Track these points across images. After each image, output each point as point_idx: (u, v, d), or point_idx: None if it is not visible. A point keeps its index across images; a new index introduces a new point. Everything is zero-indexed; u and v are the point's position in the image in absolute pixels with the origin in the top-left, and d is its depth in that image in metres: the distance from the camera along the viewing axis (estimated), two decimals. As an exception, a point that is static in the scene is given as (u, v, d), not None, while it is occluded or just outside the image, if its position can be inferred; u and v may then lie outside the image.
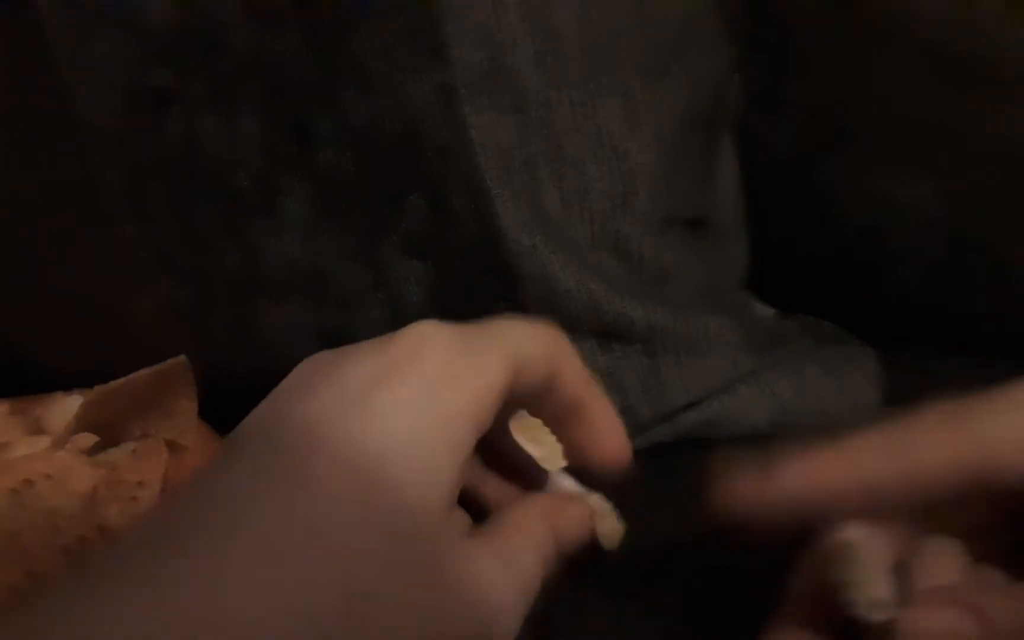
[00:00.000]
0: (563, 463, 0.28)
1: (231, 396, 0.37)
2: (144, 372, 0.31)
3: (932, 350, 0.39)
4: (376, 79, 0.33)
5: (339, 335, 0.36)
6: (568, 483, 0.27)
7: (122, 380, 0.31)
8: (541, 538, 0.24)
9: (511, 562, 0.23)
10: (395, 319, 0.36)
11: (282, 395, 0.23)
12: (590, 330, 0.35)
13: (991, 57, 0.35)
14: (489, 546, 0.23)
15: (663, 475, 0.34)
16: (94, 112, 0.36)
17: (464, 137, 0.33)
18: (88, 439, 0.33)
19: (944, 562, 0.22)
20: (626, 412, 0.36)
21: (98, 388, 0.31)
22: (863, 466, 0.22)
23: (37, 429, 0.37)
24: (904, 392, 0.38)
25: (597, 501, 0.27)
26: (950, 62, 0.36)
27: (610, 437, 0.26)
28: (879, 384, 0.38)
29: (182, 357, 0.32)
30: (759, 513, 0.22)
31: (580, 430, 0.26)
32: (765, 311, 0.41)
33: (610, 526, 0.27)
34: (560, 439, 0.27)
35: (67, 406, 0.37)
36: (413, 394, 0.21)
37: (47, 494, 0.29)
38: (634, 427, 0.36)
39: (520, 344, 0.23)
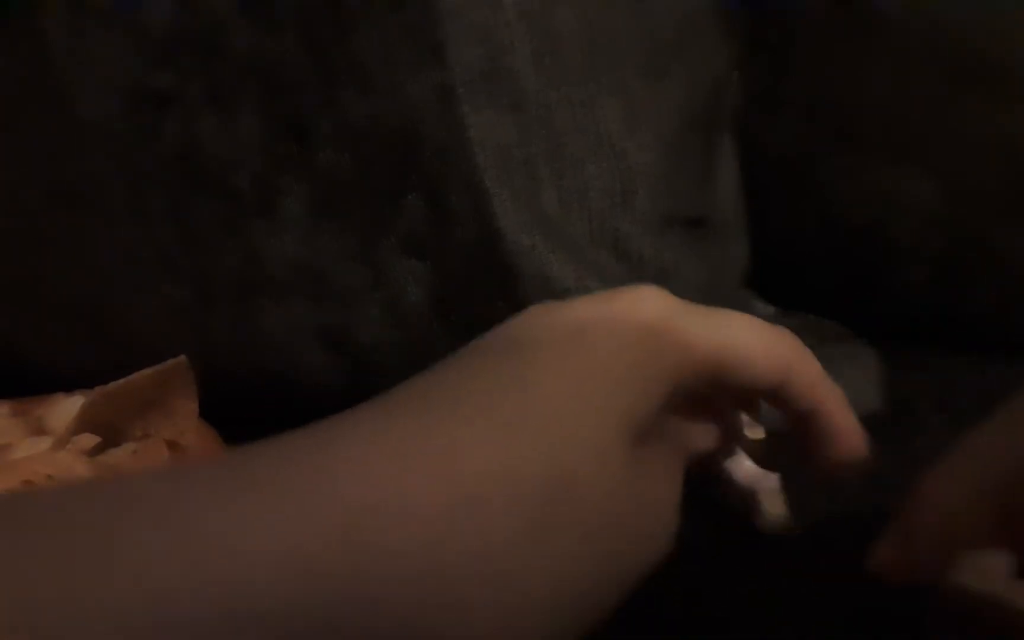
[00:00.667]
0: None
1: (231, 395, 0.38)
2: (145, 372, 0.31)
3: (933, 347, 0.39)
4: (375, 79, 0.33)
5: (339, 334, 0.37)
6: (747, 463, 0.28)
7: (123, 381, 0.31)
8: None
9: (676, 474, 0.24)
10: (394, 318, 0.36)
11: (512, 323, 0.24)
12: (590, 329, 0.35)
13: (991, 55, 0.35)
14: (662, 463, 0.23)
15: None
16: (94, 113, 0.36)
17: (463, 137, 0.33)
18: (89, 439, 0.33)
19: None
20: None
21: (99, 389, 0.31)
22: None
23: (39, 430, 0.37)
24: (905, 389, 0.38)
25: (772, 480, 0.28)
26: (950, 60, 0.36)
27: (845, 439, 0.26)
28: (880, 382, 0.38)
29: (182, 357, 0.32)
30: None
31: (814, 434, 0.26)
32: (766, 310, 0.41)
33: (774, 510, 0.28)
34: (796, 436, 0.27)
35: (68, 407, 0.37)
36: (619, 346, 0.22)
37: (48, 495, 0.29)
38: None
39: (740, 338, 0.24)
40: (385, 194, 0.34)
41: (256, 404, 0.39)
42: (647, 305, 0.23)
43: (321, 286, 0.36)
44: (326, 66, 0.33)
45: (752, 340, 0.24)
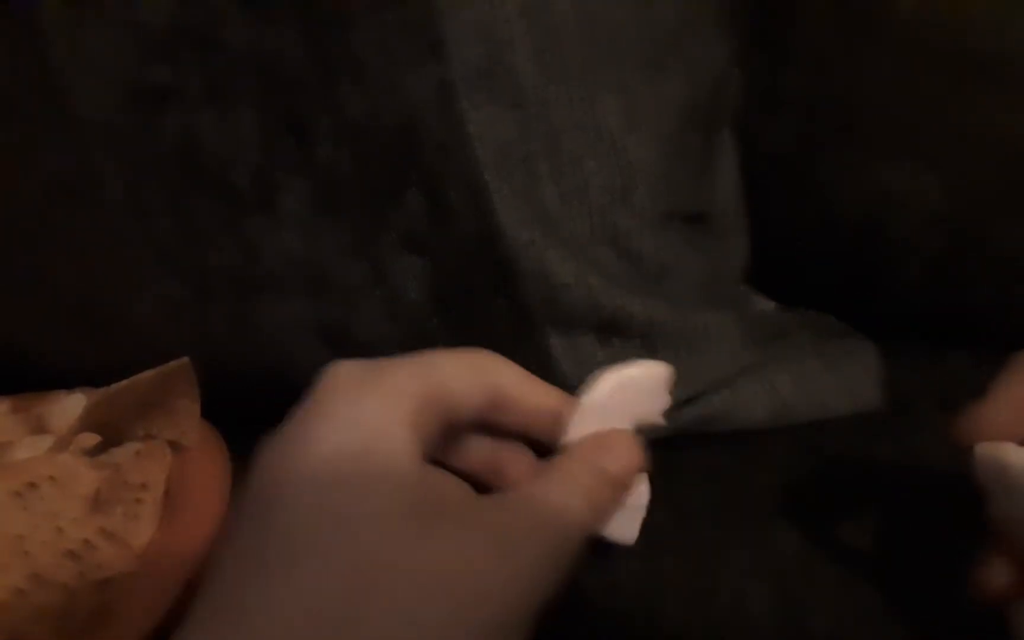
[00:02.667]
0: None
1: (230, 391, 0.38)
2: (147, 374, 0.31)
3: (932, 344, 0.39)
4: (374, 75, 0.32)
5: (338, 331, 0.36)
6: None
7: (125, 382, 0.31)
8: (583, 489, 0.26)
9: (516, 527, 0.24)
10: (393, 315, 0.36)
11: (252, 493, 0.24)
12: (589, 325, 0.35)
13: (991, 51, 0.35)
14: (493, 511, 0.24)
15: (663, 470, 0.35)
16: (92, 109, 0.35)
17: (462, 133, 0.32)
18: (90, 438, 0.33)
19: None
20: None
21: (102, 390, 0.31)
22: None
23: (39, 427, 0.37)
24: (905, 386, 0.38)
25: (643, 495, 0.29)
26: (951, 55, 0.36)
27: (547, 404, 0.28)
28: (880, 378, 0.38)
29: (185, 359, 0.32)
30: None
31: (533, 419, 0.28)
32: (765, 305, 0.41)
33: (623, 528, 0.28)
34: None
35: (69, 405, 0.37)
36: (333, 419, 0.24)
37: (50, 496, 0.29)
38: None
39: (437, 368, 0.26)
40: (384, 190, 0.34)
41: (255, 401, 0.39)
42: (334, 385, 0.25)
43: (320, 282, 0.36)
44: (325, 62, 0.33)
45: (451, 367, 0.27)
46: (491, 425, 0.28)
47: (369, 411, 0.24)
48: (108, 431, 0.33)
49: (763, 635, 0.29)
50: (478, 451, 0.29)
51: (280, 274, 0.36)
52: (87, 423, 0.32)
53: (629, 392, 0.29)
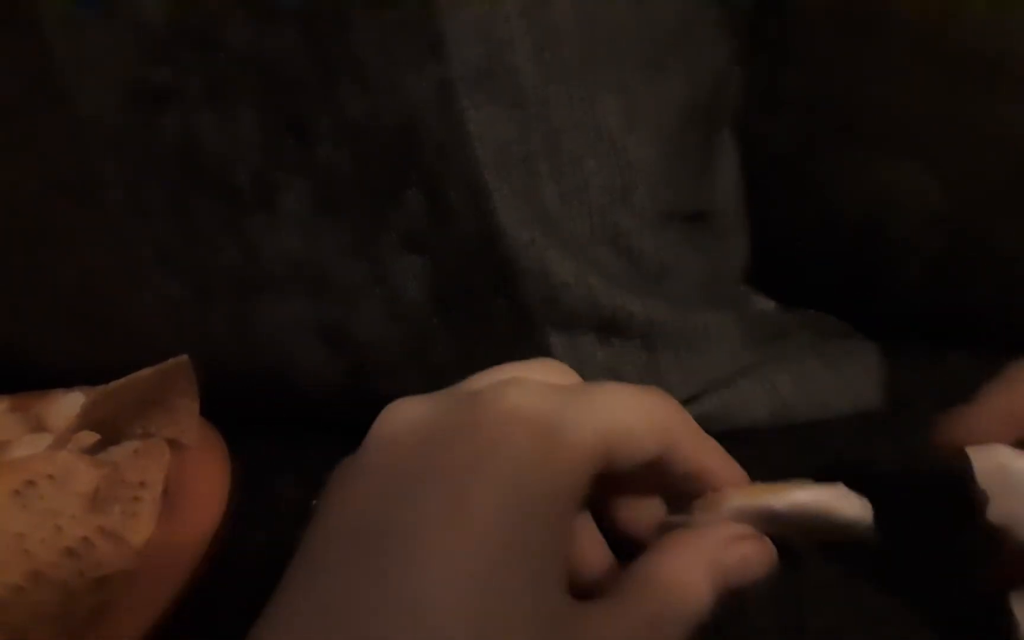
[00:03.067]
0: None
1: (230, 391, 0.38)
2: (146, 371, 0.31)
3: (933, 344, 0.39)
4: (374, 75, 0.32)
5: (338, 330, 0.36)
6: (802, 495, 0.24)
7: (124, 379, 0.31)
8: (690, 587, 0.22)
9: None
10: (394, 314, 0.36)
11: (373, 488, 0.21)
12: (589, 324, 0.35)
13: (991, 50, 0.35)
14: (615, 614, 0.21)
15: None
16: (93, 109, 0.35)
17: (462, 132, 0.32)
18: (89, 436, 0.33)
19: None
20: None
21: (100, 388, 0.31)
22: None
23: (38, 426, 0.37)
24: (905, 386, 0.38)
25: (838, 491, 0.24)
26: (950, 55, 0.36)
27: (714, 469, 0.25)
28: (880, 378, 0.38)
29: (184, 356, 0.32)
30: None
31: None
32: (766, 305, 0.41)
33: (853, 512, 0.24)
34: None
35: (68, 403, 0.37)
36: (501, 488, 0.20)
37: (49, 495, 0.29)
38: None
39: (619, 416, 0.22)
40: (384, 190, 0.34)
41: (255, 400, 0.39)
42: (517, 405, 0.21)
43: (320, 282, 0.36)
44: (325, 62, 0.33)
45: (632, 413, 0.22)
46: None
47: (547, 470, 0.20)
48: (107, 429, 0.33)
49: (763, 635, 0.29)
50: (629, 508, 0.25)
51: (280, 274, 0.36)
52: (86, 421, 0.32)
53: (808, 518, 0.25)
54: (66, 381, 0.39)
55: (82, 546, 0.28)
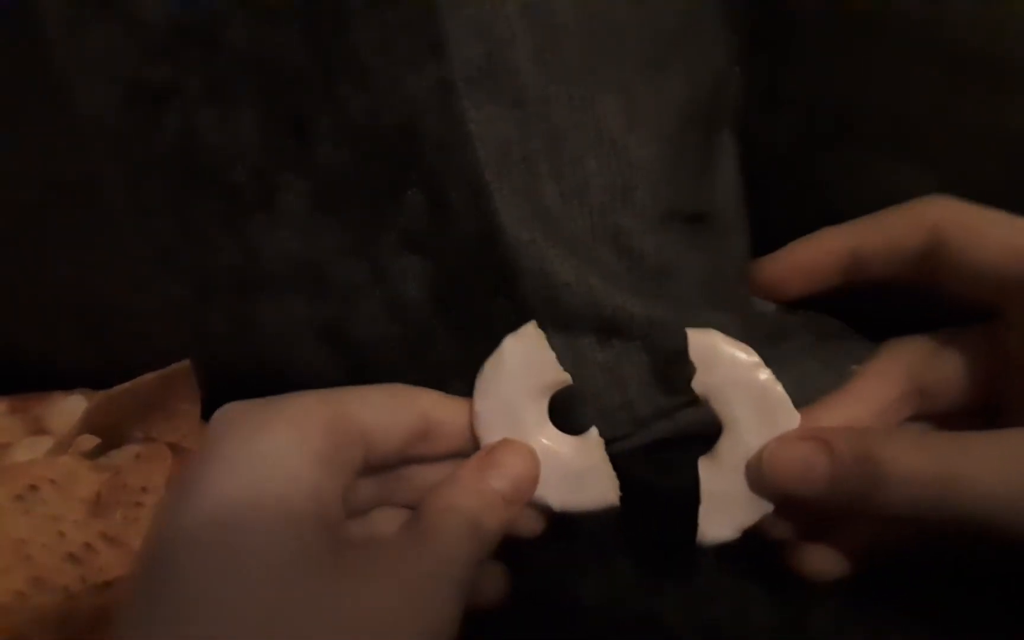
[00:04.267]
0: None
1: (231, 392, 0.37)
2: (148, 376, 0.31)
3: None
4: (374, 74, 0.32)
5: (338, 330, 0.36)
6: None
7: (126, 384, 0.31)
8: (468, 514, 0.25)
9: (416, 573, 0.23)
10: (393, 314, 0.36)
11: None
12: (589, 325, 0.35)
13: (991, 50, 0.35)
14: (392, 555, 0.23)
15: (663, 471, 0.35)
16: (92, 107, 0.35)
17: (463, 132, 0.32)
18: (90, 441, 0.33)
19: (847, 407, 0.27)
20: (625, 408, 0.36)
21: (102, 392, 0.31)
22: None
23: (38, 429, 0.37)
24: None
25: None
26: (951, 55, 0.36)
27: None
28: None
29: (186, 361, 0.32)
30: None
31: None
32: (765, 306, 0.41)
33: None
34: None
35: (68, 405, 0.37)
36: (225, 461, 0.23)
37: (51, 500, 0.29)
38: (633, 423, 0.36)
39: (344, 396, 0.25)
40: (384, 189, 0.34)
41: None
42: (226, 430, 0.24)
43: (320, 282, 0.36)
44: (325, 61, 0.33)
45: (368, 402, 0.26)
46: (426, 457, 0.27)
47: (266, 448, 0.23)
48: (108, 433, 0.33)
49: (763, 635, 0.29)
50: (413, 486, 0.28)
51: (280, 274, 0.36)
52: (87, 425, 0.32)
53: (512, 375, 0.28)
54: (66, 382, 0.39)
55: (84, 551, 0.28)
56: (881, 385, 0.28)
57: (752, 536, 0.30)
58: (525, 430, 0.28)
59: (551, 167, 0.34)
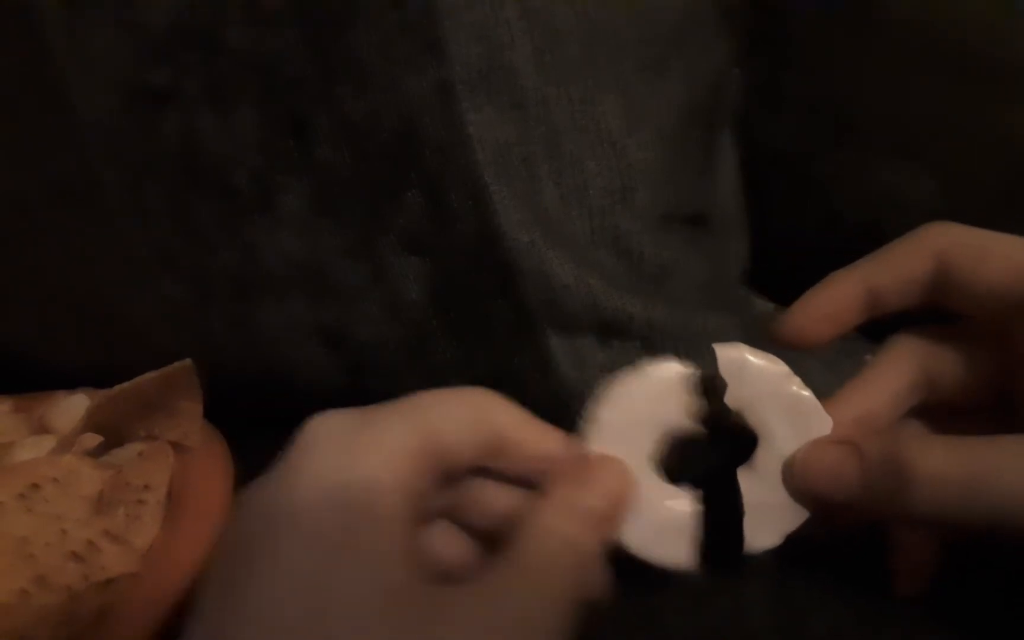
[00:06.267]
0: None
1: (230, 392, 0.38)
2: (150, 375, 0.31)
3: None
4: (373, 76, 0.32)
5: (338, 332, 0.37)
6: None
7: (128, 383, 0.31)
8: (569, 538, 0.24)
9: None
10: (393, 315, 0.36)
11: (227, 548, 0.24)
12: (589, 326, 0.35)
13: (991, 52, 0.35)
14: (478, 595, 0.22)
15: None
16: (92, 110, 0.35)
17: (462, 134, 0.32)
18: (92, 439, 0.33)
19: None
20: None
21: (104, 391, 0.31)
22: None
23: (40, 428, 0.37)
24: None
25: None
26: (950, 57, 0.36)
27: (548, 448, 0.26)
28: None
29: (187, 360, 0.32)
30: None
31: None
32: (765, 307, 0.41)
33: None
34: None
35: (70, 405, 0.37)
36: (314, 487, 0.22)
37: (54, 498, 0.29)
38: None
39: (434, 413, 0.24)
40: (384, 191, 0.34)
41: (255, 402, 0.39)
42: (319, 444, 0.23)
43: (320, 283, 0.36)
44: (325, 63, 0.33)
45: (448, 408, 0.25)
46: (494, 470, 0.26)
47: (362, 467, 0.23)
48: (110, 432, 0.33)
49: (763, 635, 0.29)
50: (479, 500, 0.27)
51: (280, 275, 0.36)
52: (90, 424, 0.32)
53: (643, 400, 0.27)
54: (68, 382, 0.39)
55: (87, 550, 0.28)
56: (895, 374, 0.28)
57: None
58: (632, 460, 0.27)
59: (550, 169, 0.34)
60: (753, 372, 0.27)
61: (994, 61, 0.35)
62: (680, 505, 0.27)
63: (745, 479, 0.27)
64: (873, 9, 0.36)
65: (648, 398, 0.27)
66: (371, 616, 0.21)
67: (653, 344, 0.35)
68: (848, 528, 0.28)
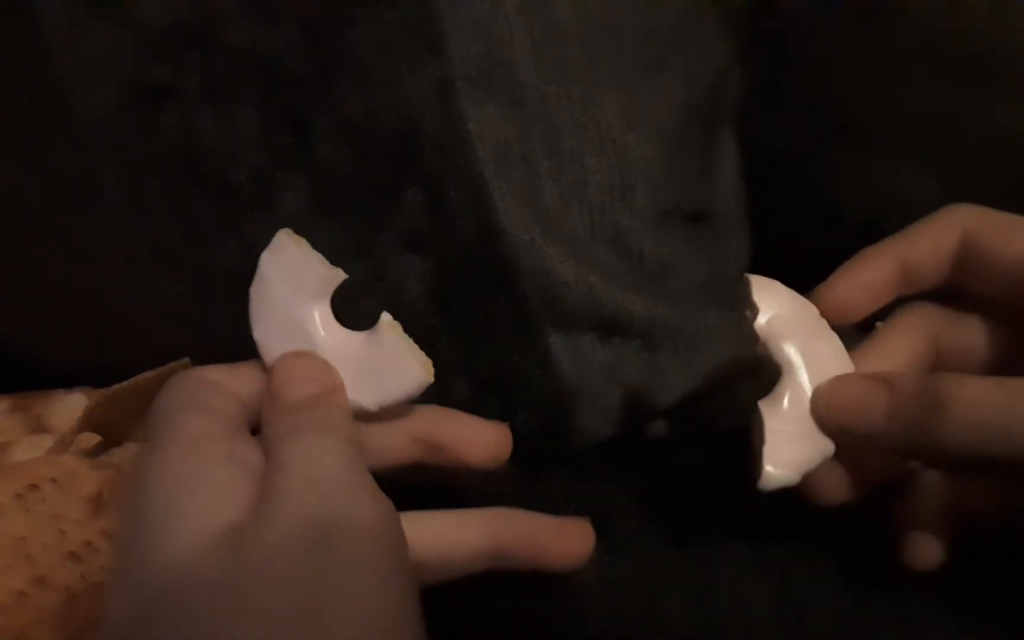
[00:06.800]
0: None
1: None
2: (148, 374, 0.31)
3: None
4: (373, 73, 0.32)
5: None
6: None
7: (127, 382, 0.31)
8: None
9: None
10: (393, 314, 0.36)
11: None
12: (589, 324, 0.35)
13: (992, 49, 0.35)
14: None
15: (663, 469, 0.35)
16: (90, 108, 0.35)
17: (462, 131, 0.32)
18: (90, 438, 0.33)
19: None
20: (626, 406, 0.36)
21: (102, 390, 0.31)
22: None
23: (38, 427, 0.37)
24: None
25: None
26: (951, 55, 0.36)
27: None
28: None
29: (186, 359, 0.32)
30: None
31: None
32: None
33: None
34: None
35: (68, 404, 0.37)
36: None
37: (52, 498, 0.29)
38: (634, 421, 0.36)
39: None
40: (384, 189, 0.34)
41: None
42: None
43: (320, 281, 0.36)
44: (324, 60, 0.33)
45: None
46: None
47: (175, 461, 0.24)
48: (109, 431, 0.33)
49: (763, 633, 0.29)
50: None
51: (280, 273, 0.36)
52: (88, 424, 0.32)
53: (280, 285, 0.28)
54: (67, 381, 0.39)
55: (85, 550, 0.28)
56: (907, 340, 0.28)
57: (753, 534, 0.30)
58: (312, 341, 0.27)
59: (550, 166, 0.34)
60: (785, 303, 0.28)
61: (995, 59, 0.35)
62: (384, 337, 0.27)
63: (767, 408, 0.27)
64: (873, 7, 0.36)
65: (283, 282, 0.28)
66: (198, 555, 0.21)
67: (654, 342, 0.35)
68: (863, 485, 0.28)
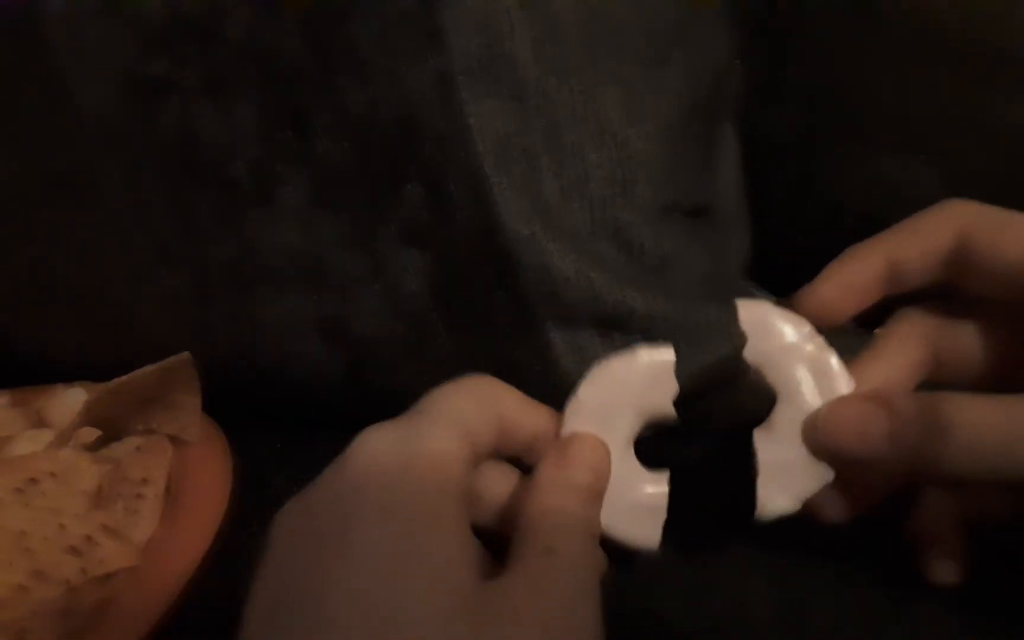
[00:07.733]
0: None
1: (229, 385, 0.38)
2: (148, 368, 0.31)
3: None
4: (373, 67, 0.32)
5: (337, 324, 0.36)
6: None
7: (127, 377, 0.31)
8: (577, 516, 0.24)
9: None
10: (394, 308, 0.36)
11: (271, 576, 0.23)
12: (589, 319, 0.35)
13: (993, 44, 0.35)
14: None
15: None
16: (90, 101, 0.35)
17: (462, 125, 0.32)
18: (90, 433, 0.33)
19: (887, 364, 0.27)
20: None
21: (102, 385, 0.31)
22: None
23: (38, 421, 0.37)
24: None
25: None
26: (951, 48, 0.35)
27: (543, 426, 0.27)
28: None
29: (186, 353, 0.32)
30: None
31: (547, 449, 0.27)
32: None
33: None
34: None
35: (68, 399, 0.37)
36: (373, 511, 0.22)
37: (52, 492, 0.29)
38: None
39: (465, 413, 0.25)
40: (384, 183, 0.34)
41: (254, 395, 0.39)
42: (366, 445, 0.23)
43: (319, 276, 0.36)
44: (324, 54, 0.33)
45: (464, 399, 0.25)
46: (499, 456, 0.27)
47: (419, 479, 0.22)
48: (109, 426, 0.33)
49: (763, 632, 0.29)
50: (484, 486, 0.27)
51: (279, 267, 0.36)
52: (88, 418, 0.32)
53: (626, 384, 0.28)
54: (67, 376, 0.39)
55: (85, 544, 0.28)
56: (905, 348, 0.28)
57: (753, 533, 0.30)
58: (611, 441, 0.27)
59: (551, 160, 0.34)
60: (775, 327, 0.27)
61: (996, 53, 0.35)
62: (652, 488, 0.27)
63: (761, 439, 0.26)
64: (874, 1, 0.36)
65: (631, 381, 0.28)
66: (444, 621, 0.20)
67: (654, 337, 0.35)
68: (864, 503, 0.28)
